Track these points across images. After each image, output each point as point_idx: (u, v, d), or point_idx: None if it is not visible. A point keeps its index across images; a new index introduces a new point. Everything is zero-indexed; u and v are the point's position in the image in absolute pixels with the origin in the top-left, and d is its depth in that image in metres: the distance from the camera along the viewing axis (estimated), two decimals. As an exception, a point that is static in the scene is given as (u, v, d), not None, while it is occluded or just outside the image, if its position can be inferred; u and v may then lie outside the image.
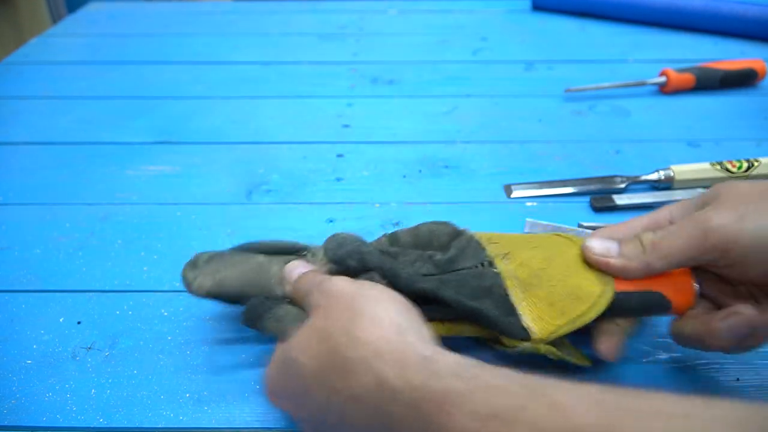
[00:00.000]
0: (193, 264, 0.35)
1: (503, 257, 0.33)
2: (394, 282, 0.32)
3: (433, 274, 0.33)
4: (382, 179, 0.54)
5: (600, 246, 0.32)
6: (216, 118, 0.65)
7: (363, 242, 0.34)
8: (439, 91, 0.71)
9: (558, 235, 0.36)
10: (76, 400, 0.34)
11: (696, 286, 0.32)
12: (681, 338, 0.32)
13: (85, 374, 0.36)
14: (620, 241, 0.33)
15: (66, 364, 0.36)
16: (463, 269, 0.33)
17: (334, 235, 0.35)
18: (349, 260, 0.33)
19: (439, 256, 0.34)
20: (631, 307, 0.32)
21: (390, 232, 0.37)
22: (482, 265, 0.33)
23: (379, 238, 0.37)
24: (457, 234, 0.36)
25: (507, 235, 0.37)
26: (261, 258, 0.35)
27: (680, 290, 0.32)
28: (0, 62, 0.80)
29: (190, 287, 0.34)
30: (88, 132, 0.62)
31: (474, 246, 0.34)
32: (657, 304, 0.32)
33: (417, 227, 0.36)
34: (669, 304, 0.32)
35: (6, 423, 0.33)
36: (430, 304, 0.31)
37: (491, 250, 0.34)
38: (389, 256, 0.34)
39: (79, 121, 0.64)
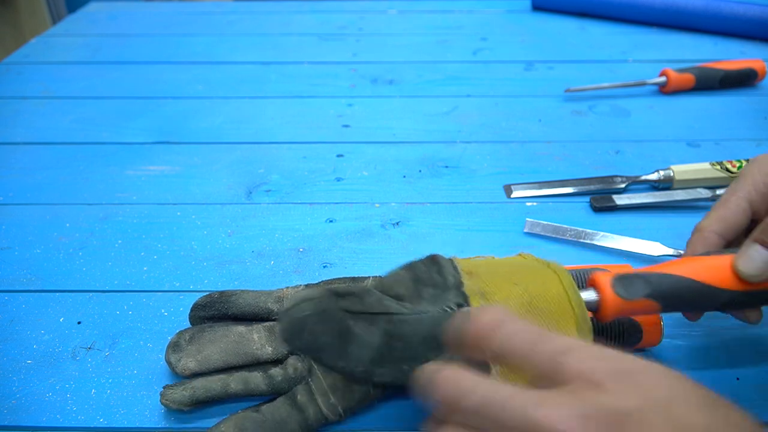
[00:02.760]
0: (175, 345, 0.35)
1: (481, 296, 0.32)
2: (349, 377, 0.32)
3: (402, 313, 0.31)
4: (382, 179, 0.54)
5: (760, 266, 0.31)
6: (216, 118, 0.65)
7: (323, 323, 0.31)
8: (439, 91, 0.71)
9: (546, 265, 0.34)
10: (76, 400, 0.34)
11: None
12: None
13: (85, 374, 0.36)
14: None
15: (66, 364, 0.36)
16: (428, 313, 0.32)
17: (287, 312, 0.31)
18: (304, 354, 0.33)
19: (408, 304, 0.33)
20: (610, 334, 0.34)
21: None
22: (450, 308, 0.32)
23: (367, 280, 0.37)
24: (424, 270, 0.34)
25: (489, 262, 0.35)
26: (240, 328, 0.35)
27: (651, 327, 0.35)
28: (0, 62, 0.80)
29: (174, 370, 0.34)
30: (88, 132, 0.62)
31: (449, 279, 0.33)
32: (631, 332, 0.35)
33: (382, 279, 0.35)
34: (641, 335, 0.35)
35: (6, 423, 0.33)
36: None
37: (468, 286, 0.32)
38: (354, 297, 0.32)
39: (79, 121, 0.64)
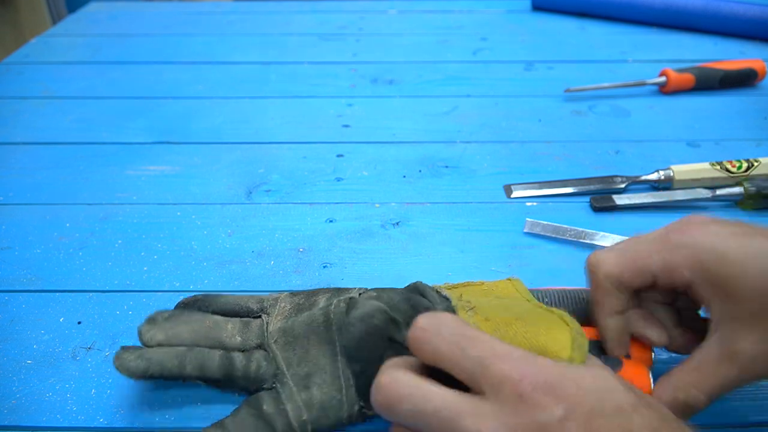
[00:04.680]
0: (151, 320, 0.35)
1: (469, 309, 0.32)
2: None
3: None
4: (382, 179, 0.54)
5: None
6: (216, 118, 0.65)
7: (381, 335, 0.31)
8: (439, 91, 0.71)
9: (551, 312, 0.31)
10: (76, 400, 0.34)
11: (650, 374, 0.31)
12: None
13: (85, 374, 0.36)
14: None
15: (66, 364, 0.36)
16: None
17: (361, 318, 0.32)
18: (362, 362, 0.32)
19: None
20: None
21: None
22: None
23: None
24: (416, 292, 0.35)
25: (475, 288, 0.36)
26: (217, 317, 0.36)
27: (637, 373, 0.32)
28: (0, 62, 0.80)
29: (141, 338, 0.34)
30: (88, 132, 0.62)
31: (441, 296, 0.34)
32: None
33: (380, 294, 0.35)
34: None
35: (6, 423, 0.33)
36: None
37: (456, 302, 0.33)
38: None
39: (79, 121, 0.64)
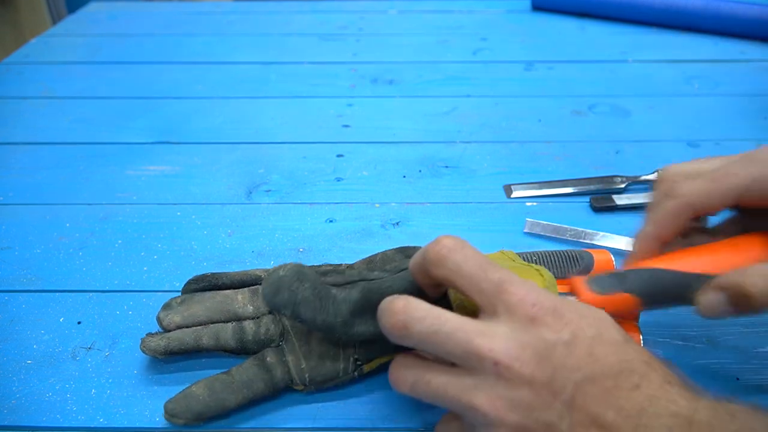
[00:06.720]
0: (167, 306, 0.37)
1: None
2: (328, 333, 0.32)
3: (381, 278, 0.33)
4: (382, 179, 0.54)
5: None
6: (216, 118, 0.65)
7: (300, 282, 0.32)
8: (439, 91, 0.71)
9: (529, 265, 0.34)
10: (76, 400, 0.34)
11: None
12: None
13: (85, 374, 0.36)
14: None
15: (66, 364, 0.36)
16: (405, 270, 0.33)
17: (269, 276, 0.32)
18: (284, 311, 0.32)
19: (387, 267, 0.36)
20: None
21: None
22: None
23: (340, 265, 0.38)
24: (407, 256, 0.37)
25: None
26: (227, 291, 0.38)
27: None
28: (0, 62, 0.80)
29: (161, 323, 0.36)
30: (88, 132, 0.62)
31: None
32: None
33: (372, 257, 0.39)
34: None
35: (6, 423, 0.33)
36: (369, 344, 0.33)
37: None
38: (336, 273, 0.35)
39: (79, 121, 0.64)
